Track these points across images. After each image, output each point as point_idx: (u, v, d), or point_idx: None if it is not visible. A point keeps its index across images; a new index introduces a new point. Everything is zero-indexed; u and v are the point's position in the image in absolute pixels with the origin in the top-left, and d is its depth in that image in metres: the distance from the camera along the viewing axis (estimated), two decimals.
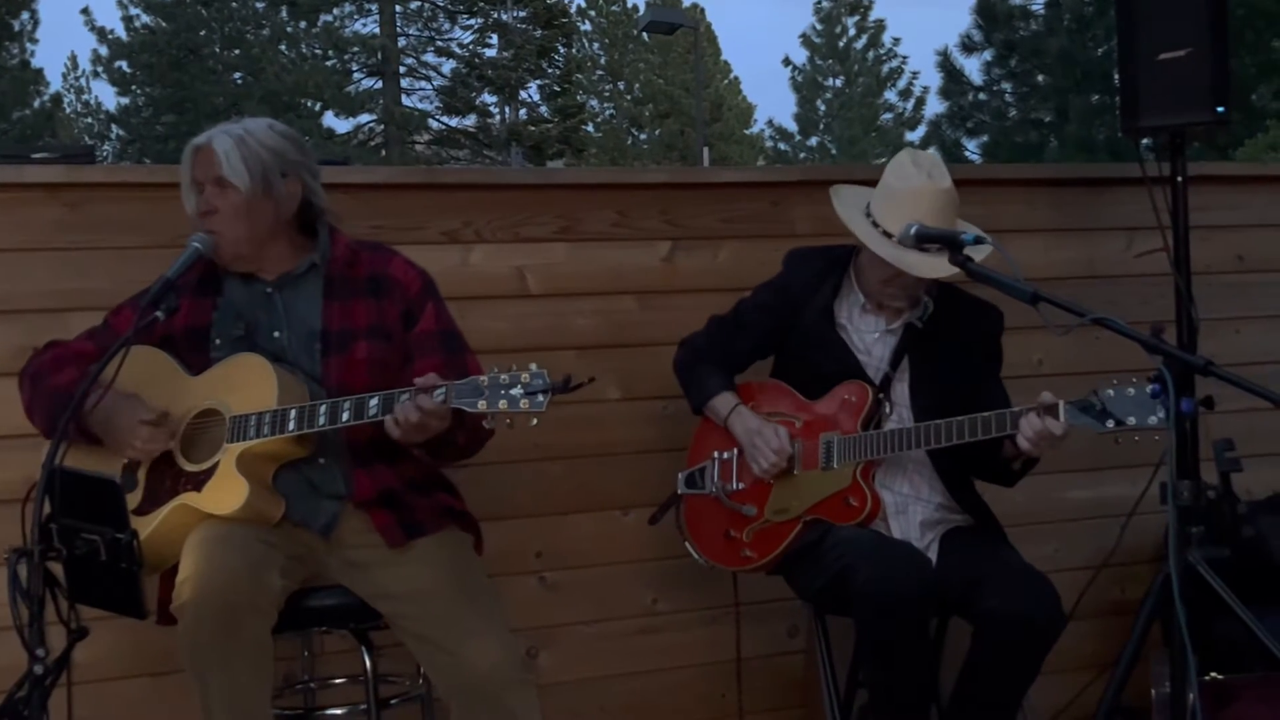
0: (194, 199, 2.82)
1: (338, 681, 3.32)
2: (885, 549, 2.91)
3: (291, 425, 2.66)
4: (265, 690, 2.63)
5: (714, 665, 3.70)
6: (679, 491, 3.28)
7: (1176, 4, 3.64)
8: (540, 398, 2.51)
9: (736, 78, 45.28)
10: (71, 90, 36.74)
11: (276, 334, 2.84)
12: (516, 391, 2.52)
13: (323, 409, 2.65)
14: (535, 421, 2.54)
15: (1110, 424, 2.73)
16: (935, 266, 2.98)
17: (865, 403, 3.09)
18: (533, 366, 2.54)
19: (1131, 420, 2.71)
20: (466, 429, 2.73)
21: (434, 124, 32.65)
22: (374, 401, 2.62)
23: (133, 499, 2.70)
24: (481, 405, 2.53)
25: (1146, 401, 2.68)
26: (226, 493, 2.65)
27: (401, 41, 31.87)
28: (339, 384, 2.76)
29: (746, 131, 44.78)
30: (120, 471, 2.75)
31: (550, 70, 34.01)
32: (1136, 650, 3.24)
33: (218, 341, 2.83)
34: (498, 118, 33.49)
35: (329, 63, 30.94)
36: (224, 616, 2.49)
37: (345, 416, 2.64)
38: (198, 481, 2.69)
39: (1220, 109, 3.59)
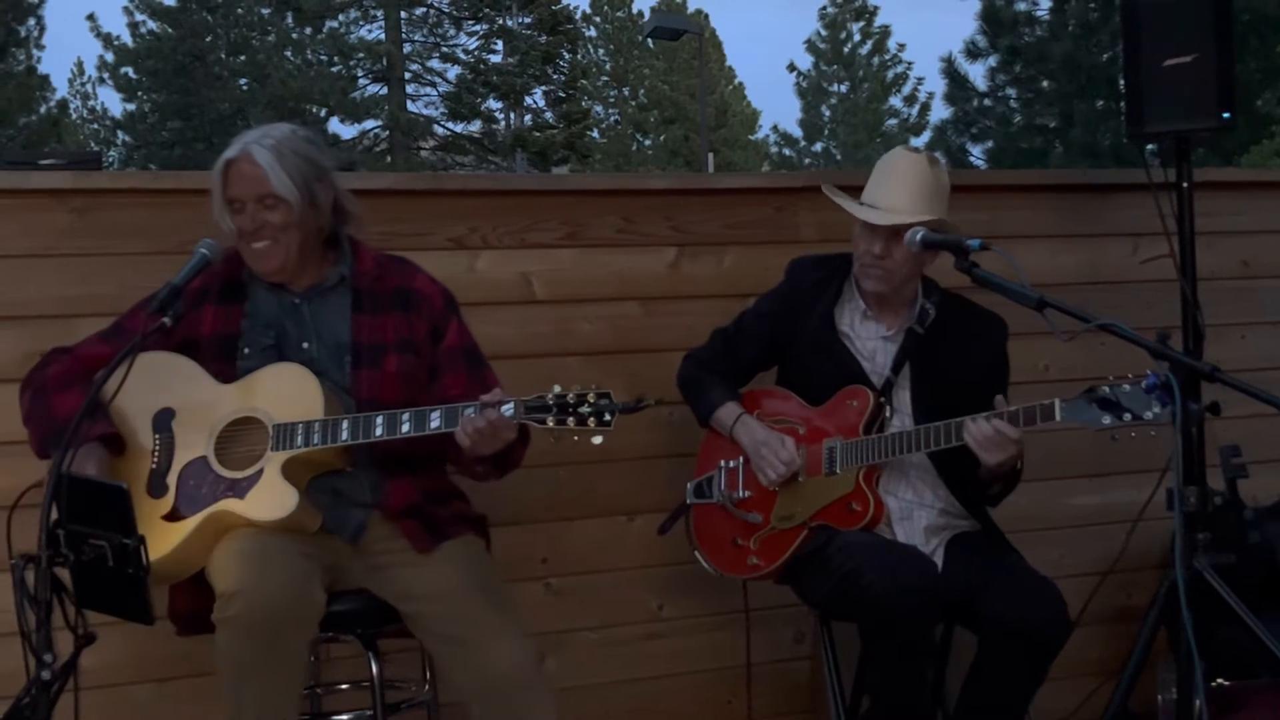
0: (230, 218, 2.80)
1: (343, 687, 3.32)
2: (890, 553, 2.91)
3: (344, 435, 2.66)
4: (296, 699, 2.65)
5: (719, 671, 3.70)
6: (688, 501, 3.28)
7: (1182, 10, 3.64)
8: (608, 417, 2.58)
9: (741, 83, 45.37)
10: (78, 96, 36.85)
11: (305, 345, 2.84)
12: (585, 410, 2.58)
13: (380, 419, 2.67)
14: (599, 440, 2.61)
15: (1107, 420, 2.73)
16: (884, 216, 3.04)
17: (867, 407, 3.09)
18: (594, 387, 2.60)
19: (1127, 416, 2.70)
20: (525, 443, 2.79)
21: (439, 130, 32.67)
22: (435, 416, 2.65)
23: (163, 505, 2.69)
24: (550, 422, 2.59)
25: (1142, 397, 2.68)
26: (274, 501, 2.65)
27: (407, 47, 31.90)
28: (370, 397, 2.78)
29: (751, 137, 44.82)
30: (147, 477, 2.74)
31: (555, 76, 34.03)
32: (1143, 656, 3.25)
33: (246, 350, 2.82)
34: (503, 123, 33.52)
35: (334, 69, 30.97)
36: (272, 633, 2.50)
37: (405, 429, 2.66)
38: (240, 489, 2.68)
39: (1225, 114, 3.59)
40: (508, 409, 2.59)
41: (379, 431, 2.66)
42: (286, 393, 2.73)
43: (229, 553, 2.59)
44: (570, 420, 2.57)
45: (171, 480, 2.73)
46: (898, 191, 3.07)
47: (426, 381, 2.86)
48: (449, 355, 2.89)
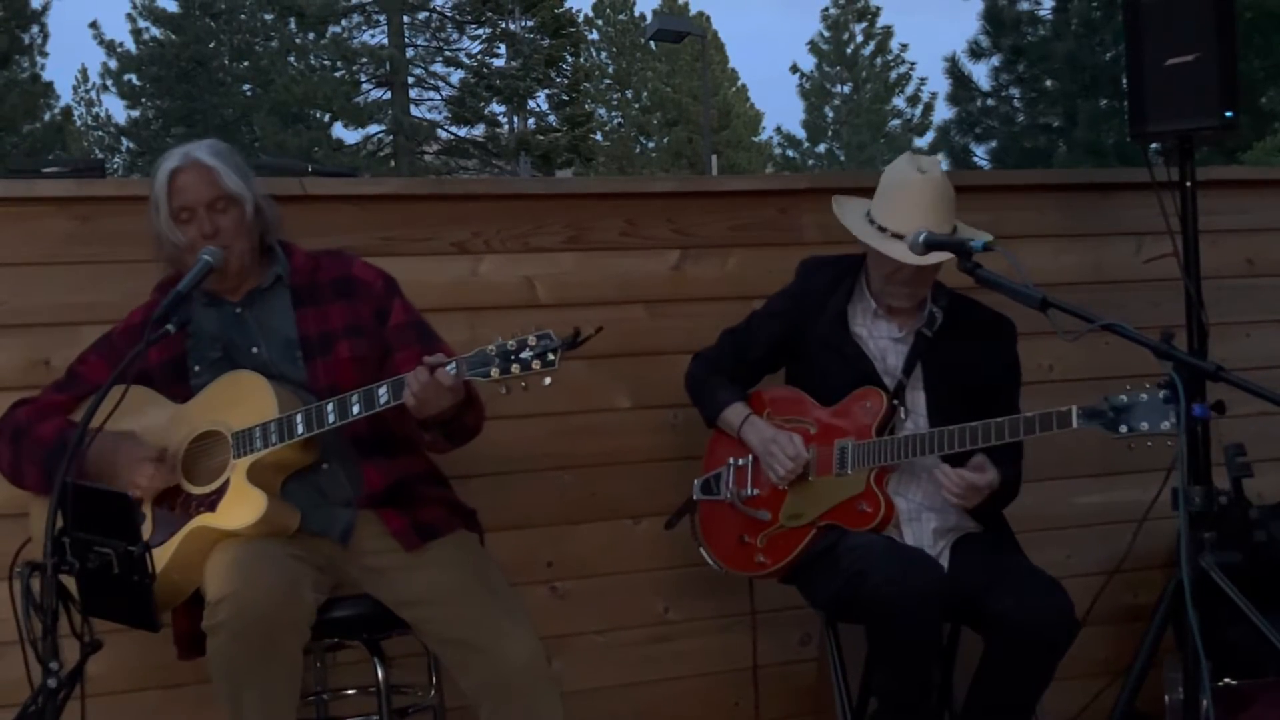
0: (179, 229, 2.78)
1: (350, 693, 3.32)
2: (897, 554, 2.91)
3: (300, 429, 2.66)
4: (293, 703, 2.65)
5: (726, 674, 3.70)
6: (694, 497, 3.28)
7: (1184, 8, 3.63)
8: (551, 356, 2.52)
9: (744, 85, 45.44)
10: (81, 103, 36.89)
11: (255, 349, 2.85)
12: (527, 355, 2.52)
13: (331, 406, 2.66)
14: (549, 381, 2.54)
15: (1124, 429, 2.72)
16: (923, 257, 2.98)
17: (881, 409, 3.09)
18: (534, 329, 2.54)
19: (1144, 426, 2.70)
20: (475, 408, 2.77)
21: (443, 134, 32.73)
22: (383, 390, 2.63)
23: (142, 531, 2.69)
24: (494, 373, 2.54)
25: (1159, 406, 2.68)
26: (243, 507, 2.65)
27: (410, 52, 31.95)
28: (328, 385, 2.77)
29: (755, 139, 44.87)
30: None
31: (558, 79, 34.08)
32: (1150, 656, 3.24)
33: (196, 368, 2.83)
34: (506, 127, 33.55)
35: (337, 74, 31.03)
36: (263, 636, 2.50)
37: (356, 410, 2.65)
38: (210, 502, 2.69)
39: (1228, 113, 3.58)
40: (451, 369, 2.57)
41: (332, 418, 2.65)
42: (239, 399, 2.73)
43: (217, 564, 2.60)
44: (514, 367, 2.52)
45: (146, 509, 2.74)
46: (926, 215, 3.02)
47: (379, 362, 2.84)
48: (398, 332, 2.88)
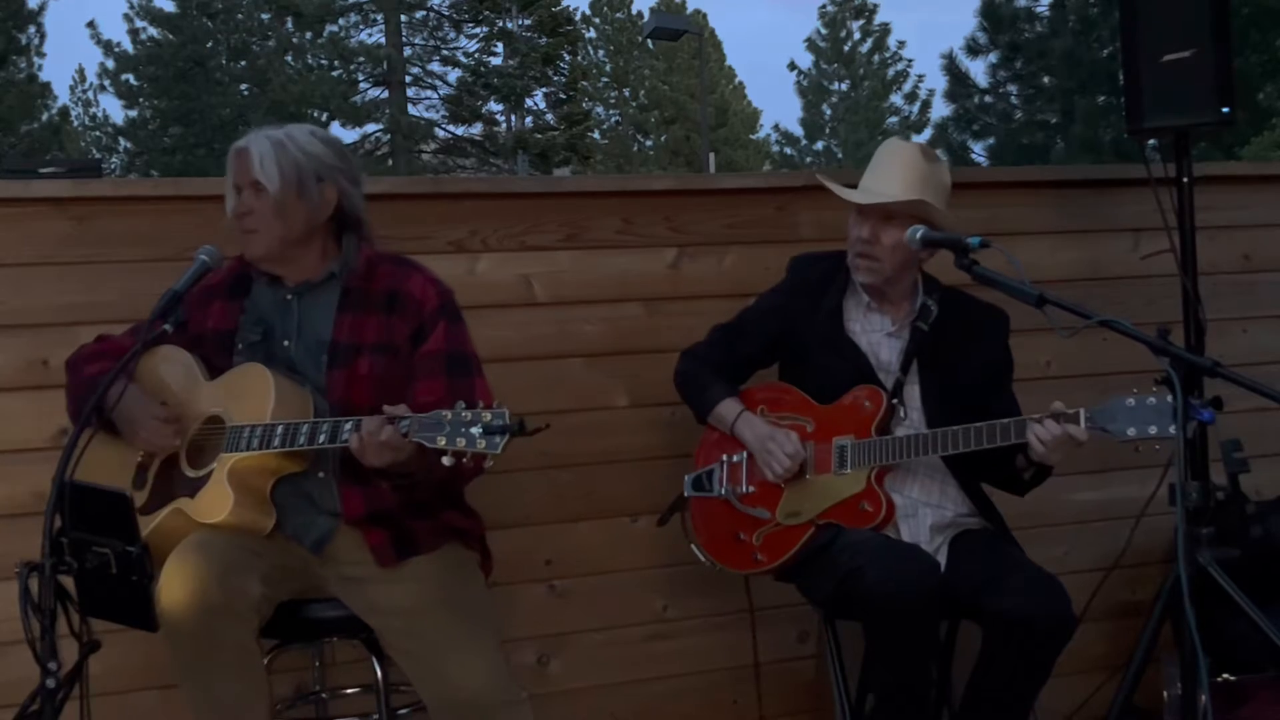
0: (233, 200, 2.82)
1: (349, 691, 3.33)
2: (894, 551, 2.91)
3: (277, 442, 2.64)
4: (260, 701, 2.62)
5: (724, 671, 3.70)
6: (685, 494, 3.27)
7: (1180, 4, 3.63)
8: (497, 439, 2.45)
9: (741, 83, 45.49)
10: (79, 103, 36.87)
11: (286, 342, 2.84)
12: (476, 430, 2.45)
13: (304, 428, 2.63)
14: (490, 463, 2.48)
15: (1131, 432, 2.73)
16: (868, 196, 3.06)
17: (880, 407, 3.08)
18: (497, 405, 2.47)
19: (1153, 430, 2.70)
20: (433, 476, 2.63)
21: (440, 133, 32.72)
22: (348, 425, 2.59)
23: (140, 497, 2.73)
24: (441, 441, 2.46)
25: (1167, 409, 2.67)
26: (213, 503, 2.66)
27: (407, 51, 31.94)
28: (342, 398, 2.74)
29: (752, 136, 44.88)
30: (134, 472, 2.79)
31: (556, 78, 34.08)
32: (1148, 652, 3.24)
33: (239, 346, 2.84)
34: (504, 126, 33.55)
35: (335, 73, 31.03)
36: (198, 623, 2.49)
37: (322, 439, 2.61)
38: (193, 488, 2.70)
39: (1225, 109, 3.58)
40: (404, 425, 2.51)
41: (302, 440, 2.62)
42: (246, 393, 2.73)
43: (172, 554, 2.58)
44: (460, 441, 2.45)
45: (151, 475, 2.77)
46: (886, 176, 3.10)
47: (403, 385, 2.76)
48: (427, 360, 2.79)
